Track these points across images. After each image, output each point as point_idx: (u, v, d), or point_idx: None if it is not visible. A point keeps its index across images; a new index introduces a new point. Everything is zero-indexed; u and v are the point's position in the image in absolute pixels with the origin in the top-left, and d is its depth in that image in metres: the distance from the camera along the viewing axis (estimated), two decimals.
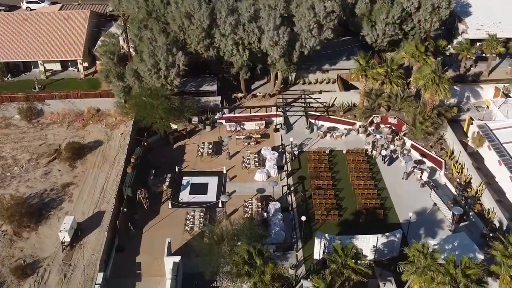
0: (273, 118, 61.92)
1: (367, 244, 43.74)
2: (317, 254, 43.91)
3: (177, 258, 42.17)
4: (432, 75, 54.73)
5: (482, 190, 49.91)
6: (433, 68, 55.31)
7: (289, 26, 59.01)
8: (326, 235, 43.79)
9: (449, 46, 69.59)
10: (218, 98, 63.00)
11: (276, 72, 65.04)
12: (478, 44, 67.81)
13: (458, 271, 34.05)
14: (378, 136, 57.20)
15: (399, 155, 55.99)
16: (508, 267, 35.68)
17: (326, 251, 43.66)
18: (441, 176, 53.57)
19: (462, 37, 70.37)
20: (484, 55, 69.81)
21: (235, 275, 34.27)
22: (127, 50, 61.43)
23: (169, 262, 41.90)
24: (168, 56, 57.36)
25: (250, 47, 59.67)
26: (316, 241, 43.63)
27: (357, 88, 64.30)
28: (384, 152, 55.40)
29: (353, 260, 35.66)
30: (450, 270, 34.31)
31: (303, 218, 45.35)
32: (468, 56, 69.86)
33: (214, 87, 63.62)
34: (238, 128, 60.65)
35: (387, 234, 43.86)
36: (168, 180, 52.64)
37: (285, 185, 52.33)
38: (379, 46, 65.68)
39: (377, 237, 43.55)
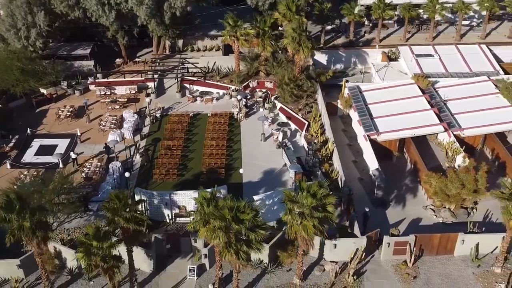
0: (148, 83, 59.78)
1: (189, 200, 41.68)
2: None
3: None
4: (293, 33, 52.43)
5: (331, 150, 47.68)
6: (294, 26, 52.93)
7: None
8: (144, 190, 41.74)
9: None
10: (91, 63, 60.95)
11: (159, 38, 62.94)
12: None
13: (231, 216, 31.81)
14: (238, 97, 54.96)
15: (265, 116, 53.74)
16: (295, 216, 33.35)
17: (148, 207, 41.80)
18: (301, 138, 51.39)
19: (359, 2, 68.12)
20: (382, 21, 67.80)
21: None
22: None
23: None
24: (27, 15, 55.22)
25: (118, 8, 57.40)
26: (136, 197, 41.49)
27: (241, 53, 62.06)
28: (244, 102, 54.63)
29: (127, 209, 33.31)
30: (226, 216, 32.04)
31: (127, 174, 43.30)
32: (366, 23, 68.25)
33: (87, 52, 61.48)
34: (108, 93, 58.53)
35: (209, 190, 41.61)
36: (13, 141, 50.61)
37: (133, 145, 50.28)
38: (262, 10, 63.27)
39: (198, 193, 41.33)
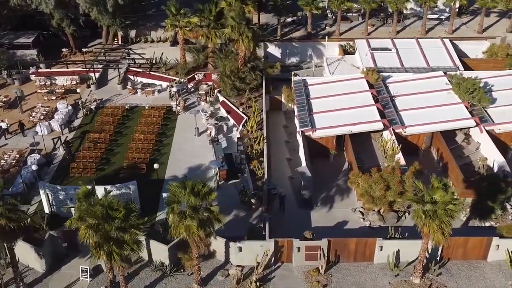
0: (91, 74, 57.32)
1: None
2: (45, 205, 39.38)
3: None
4: (232, 22, 49.48)
5: (261, 146, 44.65)
6: (233, 15, 49.93)
7: None
8: (48, 184, 39.27)
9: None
10: (34, 52, 58.79)
11: (108, 27, 60.55)
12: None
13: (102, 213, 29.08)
14: (174, 89, 52.27)
15: (202, 110, 51.02)
16: (175, 215, 30.51)
17: (53, 202, 39.38)
18: (237, 133, 48.48)
19: None
20: (346, 14, 64.95)
21: None
22: None
23: None
24: None
25: None
26: (41, 191, 39.11)
27: (193, 44, 59.40)
28: (174, 89, 52.63)
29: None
30: (97, 213, 29.25)
31: (34, 167, 40.92)
32: (329, 15, 65.42)
33: (30, 40, 59.32)
34: (49, 83, 56.21)
35: (117, 185, 39.06)
36: None
37: (56, 138, 47.86)
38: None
39: (104, 188, 38.73)
